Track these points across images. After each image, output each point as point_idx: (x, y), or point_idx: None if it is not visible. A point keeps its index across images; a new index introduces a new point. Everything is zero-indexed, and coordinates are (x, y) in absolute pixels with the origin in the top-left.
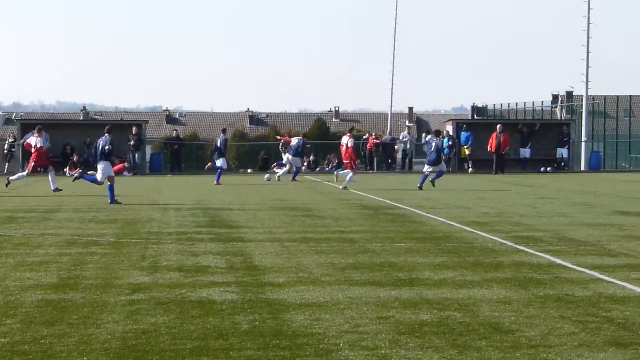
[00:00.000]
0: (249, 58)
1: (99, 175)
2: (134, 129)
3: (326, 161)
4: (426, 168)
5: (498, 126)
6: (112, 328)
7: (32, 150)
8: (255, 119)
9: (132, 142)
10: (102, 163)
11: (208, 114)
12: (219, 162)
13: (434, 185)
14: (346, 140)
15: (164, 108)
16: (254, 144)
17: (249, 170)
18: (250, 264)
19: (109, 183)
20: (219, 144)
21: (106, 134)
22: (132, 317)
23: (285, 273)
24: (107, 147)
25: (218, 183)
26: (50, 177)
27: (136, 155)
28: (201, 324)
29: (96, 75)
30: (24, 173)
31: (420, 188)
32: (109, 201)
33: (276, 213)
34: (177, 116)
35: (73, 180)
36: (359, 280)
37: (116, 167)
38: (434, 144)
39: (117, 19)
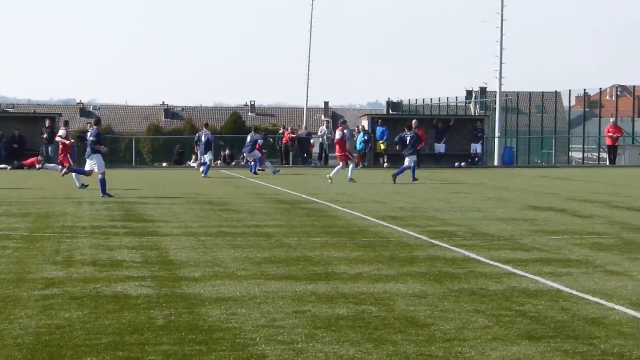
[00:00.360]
0: (163, 51)
1: (90, 166)
2: (47, 122)
3: (242, 155)
4: (408, 161)
5: (413, 121)
6: (25, 323)
7: None
8: (170, 112)
9: (45, 135)
10: (94, 156)
11: (122, 107)
12: (207, 157)
13: (394, 182)
14: (340, 134)
15: (78, 101)
16: (169, 138)
17: (164, 164)
18: (166, 258)
19: (100, 177)
20: (203, 139)
21: (94, 126)
22: (46, 312)
23: (201, 267)
24: (92, 139)
25: (206, 176)
26: None
27: (49, 148)
28: (116, 318)
29: (8, 67)
30: None
31: (394, 181)
32: (101, 195)
33: (192, 207)
34: (91, 109)
35: (62, 175)
36: (275, 274)
37: (29, 161)
38: (408, 137)
39: (31, 9)
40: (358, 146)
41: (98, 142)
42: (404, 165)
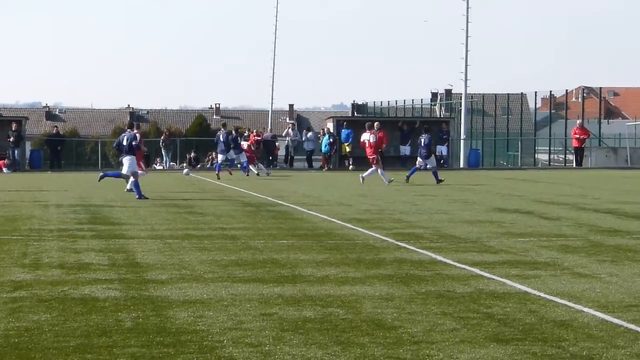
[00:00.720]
0: (128, 54)
1: (124, 169)
2: (13, 125)
3: (207, 158)
4: (419, 162)
5: (375, 124)
6: None
7: None
8: (135, 115)
9: (11, 139)
10: (128, 157)
11: (88, 111)
12: (221, 157)
13: (407, 182)
14: (368, 137)
15: (44, 104)
16: None
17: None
18: (133, 261)
19: (133, 179)
20: (222, 139)
21: (128, 129)
22: (14, 314)
23: (168, 270)
24: (133, 143)
25: (224, 171)
26: None
27: (16, 151)
28: (84, 321)
29: None
30: None
31: (407, 180)
32: (137, 197)
33: (158, 210)
34: (57, 112)
35: (99, 180)
36: (242, 277)
37: None
38: (423, 139)
39: None
40: (323, 149)
41: (138, 146)
42: (431, 165)
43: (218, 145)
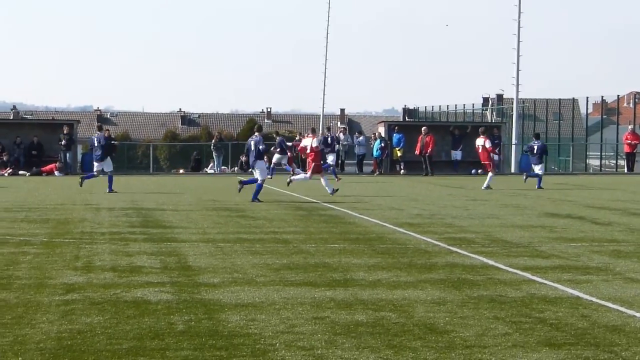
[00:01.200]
0: (181, 58)
1: (258, 175)
2: (65, 129)
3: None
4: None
5: (423, 128)
6: (47, 328)
7: None
8: (187, 119)
9: (63, 142)
10: (258, 163)
11: (139, 114)
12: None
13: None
14: (482, 142)
15: (95, 108)
16: (185, 145)
17: (181, 171)
18: (185, 264)
19: (259, 182)
20: (253, 147)
21: (257, 133)
22: (67, 317)
23: (220, 273)
24: (261, 147)
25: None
26: None
27: (67, 155)
28: (137, 324)
29: (26, 74)
30: None
31: (539, 187)
32: (252, 199)
33: (209, 213)
34: (108, 116)
35: (239, 190)
36: (294, 280)
37: (47, 167)
38: (536, 147)
39: (47, 18)
40: (374, 153)
41: (266, 150)
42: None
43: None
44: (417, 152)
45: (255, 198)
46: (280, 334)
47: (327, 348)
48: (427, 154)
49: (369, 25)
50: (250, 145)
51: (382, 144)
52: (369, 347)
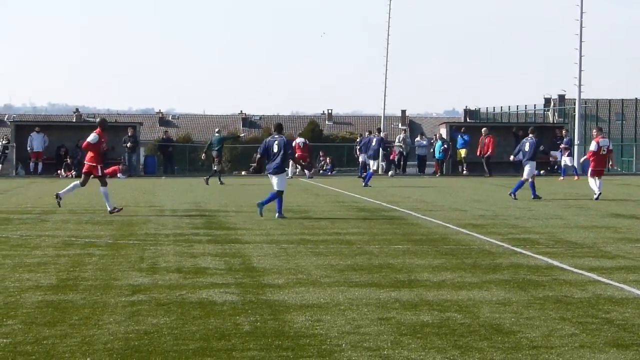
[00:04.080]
0: (241, 60)
1: (277, 186)
2: (129, 131)
3: (320, 163)
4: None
5: (483, 129)
6: (114, 329)
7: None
8: (248, 121)
9: (128, 144)
10: (281, 173)
11: (201, 117)
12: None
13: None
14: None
15: (157, 110)
16: (247, 146)
17: (243, 172)
18: (249, 266)
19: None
20: (277, 149)
21: (277, 134)
22: (134, 318)
23: (285, 274)
24: (290, 151)
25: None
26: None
27: (132, 157)
28: (203, 324)
29: (88, 77)
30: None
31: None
32: (279, 215)
33: (273, 215)
34: (170, 118)
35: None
36: (358, 281)
37: (110, 169)
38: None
39: (110, 21)
40: (437, 155)
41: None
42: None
43: (368, 149)
44: (477, 153)
45: (280, 213)
46: (346, 334)
47: (393, 349)
48: (485, 155)
49: (430, 25)
50: (273, 147)
51: (445, 145)
52: (435, 348)
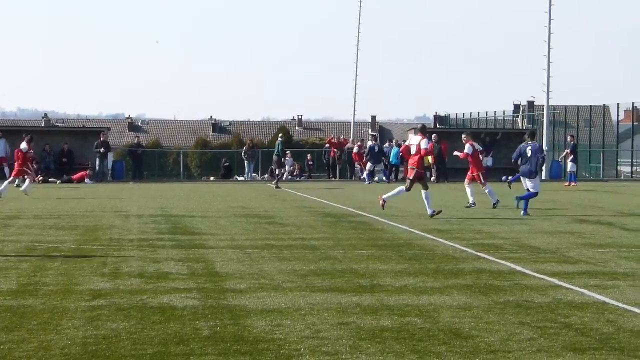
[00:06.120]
0: (211, 66)
1: (533, 187)
2: (102, 136)
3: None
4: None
5: (433, 135)
6: (72, 334)
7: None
8: (218, 127)
9: (101, 149)
10: (537, 177)
11: (171, 122)
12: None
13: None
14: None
15: (127, 116)
16: (217, 152)
17: (211, 178)
18: (212, 271)
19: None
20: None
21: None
22: (93, 322)
23: (247, 279)
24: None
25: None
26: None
27: (104, 162)
28: (162, 329)
29: (57, 82)
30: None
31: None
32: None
33: (238, 220)
34: (139, 124)
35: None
36: (321, 286)
37: (77, 175)
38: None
39: (79, 26)
40: (392, 160)
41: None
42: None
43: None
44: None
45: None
46: (305, 339)
47: (352, 353)
48: (435, 163)
49: (400, 32)
50: (527, 152)
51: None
52: (394, 352)
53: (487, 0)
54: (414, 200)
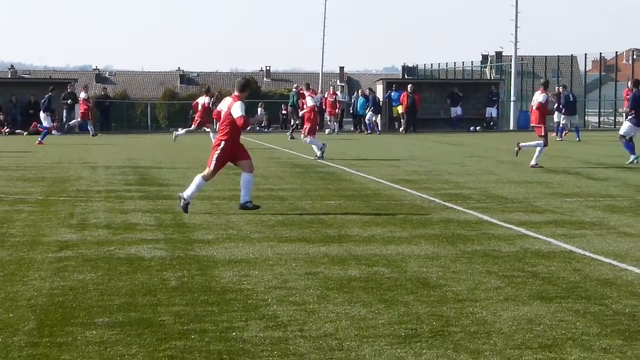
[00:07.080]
0: (179, 17)
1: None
2: (69, 87)
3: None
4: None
5: (408, 86)
6: (39, 285)
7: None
8: (186, 78)
9: (68, 101)
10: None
11: (138, 73)
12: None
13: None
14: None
15: (94, 67)
16: (184, 103)
17: (179, 130)
18: (180, 222)
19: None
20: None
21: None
22: (59, 274)
23: (215, 230)
24: None
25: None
26: None
27: (71, 113)
28: (129, 280)
29: (24, 33)
30: None
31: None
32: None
33: None
34: (107, 75)
35: None
36: (289, 237)
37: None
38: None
39: None
40: (359, 111)
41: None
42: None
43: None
44: (403, 110)
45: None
46: (273, 289)
47: (319, 303)
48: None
49: None
50: None
51: (369, 103)
52: (361, 302)
53: None
54: (381, 151)
